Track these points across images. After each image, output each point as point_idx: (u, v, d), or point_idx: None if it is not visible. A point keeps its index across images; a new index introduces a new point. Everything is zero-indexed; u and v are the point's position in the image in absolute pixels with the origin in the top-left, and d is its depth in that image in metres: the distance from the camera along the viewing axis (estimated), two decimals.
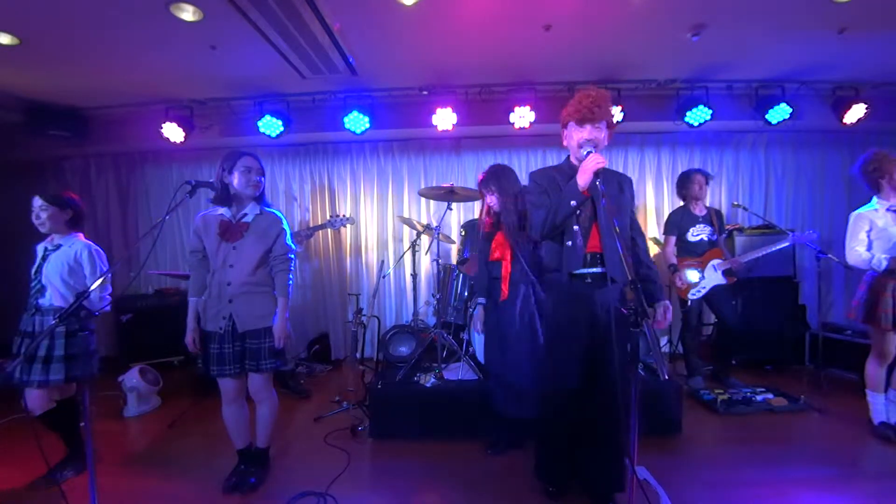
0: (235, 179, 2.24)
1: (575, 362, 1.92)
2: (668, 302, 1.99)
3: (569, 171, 1.93)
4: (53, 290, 2.40)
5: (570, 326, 1.92)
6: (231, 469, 2.40)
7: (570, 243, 1.89)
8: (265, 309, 2.27)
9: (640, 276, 1.99)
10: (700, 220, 3.60)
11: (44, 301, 2.40)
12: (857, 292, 2.83)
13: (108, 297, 2.52)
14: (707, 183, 3.64)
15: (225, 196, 2.27)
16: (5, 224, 3.81)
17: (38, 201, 2.44)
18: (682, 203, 3.73)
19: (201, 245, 2.30)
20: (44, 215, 2.43)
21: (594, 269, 1.89)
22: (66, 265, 2.43)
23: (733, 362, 4.06)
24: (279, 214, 2.36)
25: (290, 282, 2.33)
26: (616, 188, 1.97)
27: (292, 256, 2.35)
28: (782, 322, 4.17)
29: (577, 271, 1.90)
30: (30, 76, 3.55)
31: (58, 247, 2.46)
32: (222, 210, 2.29)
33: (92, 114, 4.28)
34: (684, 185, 3.65)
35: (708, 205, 3.73)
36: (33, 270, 2.44)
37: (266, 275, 2.30)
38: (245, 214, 2.29)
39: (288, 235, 2.34)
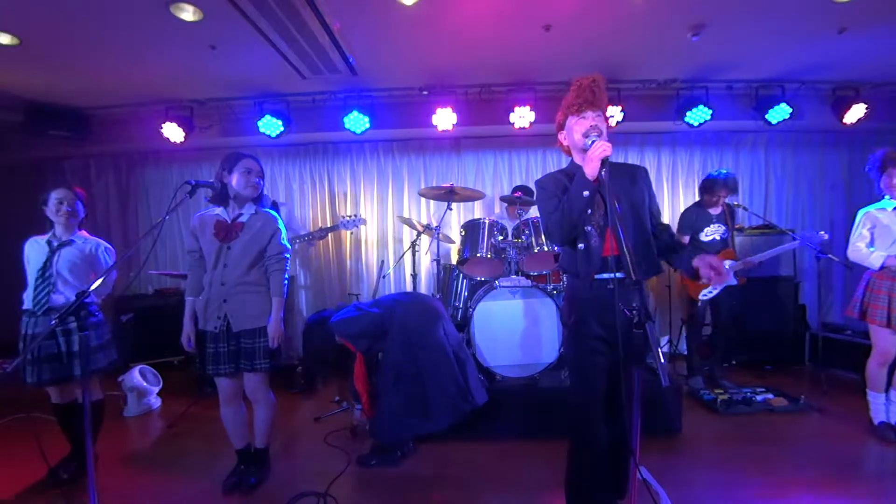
0: (234, 180, 2.25)
1: (602, 370, 1.82)
2: (708, 257, 1.83)
3: (574, 172, 1.84)
4: (71, 288, 2.40)
5: (594, 333, 1.81)
6: (231, 469, 2.40)
7: (582, 246, 1.79)
8: (260, 308, 2.26)
9: (671, 248, 1.89)
10: (714, 219, 3.52)
11: (59, 298, 2.38)
12: (856, 290, 2.83)
13: (110, 286, 2.59)
14: (728, 196, 3.52)
15: (223, 196, 2.28)
16: (6, 224, 3.82)
17: (70, 193, 2.44)
18: (697, 199, 3.64)
19: (198, 245, 2.31)
20: (72, 208, 2.44)
21: (615, 275, 1.74)
22: (83, 262, 2.44)
23: (733, 362, 4.07)
24: (274, 214, 2.36)
25: (286, 281, 2.33)
26: (628, 181, 1.86)
27: (287, 256, 2.34)
28: (782, 322, 4.17)
29: (599, 276, 1.78)
30: (30, 76, 3.55)
31: (69, 242, 2.45)
32: (218, 210, 2.30)
33: (92, 114, 4.28)
34: (708, 190, 3.50)
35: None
36: (39, 267, 2.39)
37: (261, 274, 2.30)
38: (241, 215, 2.29)
39: (283, 235, 2.34)
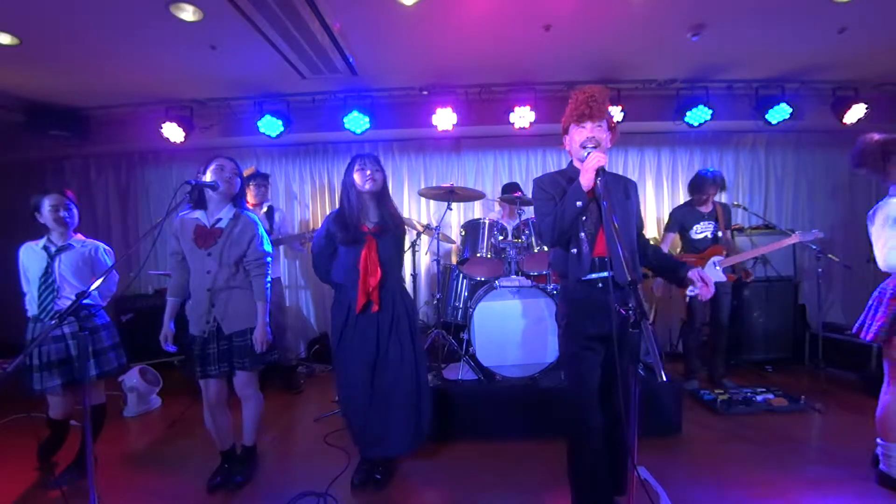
0: (208, 178, 2.24)
1: (596, 367, 1.88)
2: (699, 269, 1.91)
3: (573, 175, 1.89)
4: (77, 291, 2.39)
5: (587, 331, 1.86)
6: (215, 468, 2.41)
7: (574, 251, 1.85)
8: (249, 308, 2.27)
9: (658, 264, 2.00)
10: (705, 217, 3.55)
11: (66, 303, 2.36)
12: (874, 312, 2.16)
13: (114, 286, 2.60)
14: (717, 193, 3.57)
15: (200, 199, 2.26)
16: (5, 223, 3.81)
17: (62, 198, 2.41)
18: (688, 198, 3.68)
19: (180, 247, 2.28)
20: (68, 213, 2.42)
21: (603, 274, 1.82)
22: (85, 266, 2.44)
23: (731, 362, 4.05)
24: (254, 218, 2.33)
25: (268, 285, 2.31)
26: (622, 194, 1.93)
27: (268, 261, 2.33)
28: (782, 322, 4.17)
29: (586, 277, 1.84)
30: (30, 76, 3.55)
31: (67, 247, 2.43)
32: (198, 214, 2.27)
33: (92, 114, 4.28)
34: (698, 188, 3.54)
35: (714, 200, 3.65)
36: (41, 275, 2.36)
37: (246, 276, 2.29)
38: (219, 219, 2.26)
39: (263, 239, 2.32)
